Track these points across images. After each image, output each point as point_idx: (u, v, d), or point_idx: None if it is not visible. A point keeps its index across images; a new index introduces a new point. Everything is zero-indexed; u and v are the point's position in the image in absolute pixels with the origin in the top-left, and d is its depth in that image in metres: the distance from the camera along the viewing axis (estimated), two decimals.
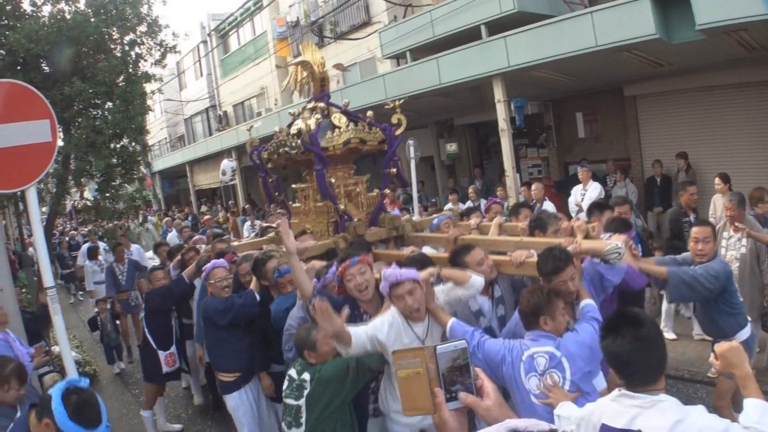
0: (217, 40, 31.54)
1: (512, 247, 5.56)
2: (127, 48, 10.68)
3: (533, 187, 12.09)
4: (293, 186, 7.82)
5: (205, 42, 32.21)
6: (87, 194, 23.66)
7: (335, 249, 6.50)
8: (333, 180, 6.95)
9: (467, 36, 14.30)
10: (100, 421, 3.49)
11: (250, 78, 28.35)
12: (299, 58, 7.63)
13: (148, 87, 11.36)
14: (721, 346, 2.93)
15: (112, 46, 10.33)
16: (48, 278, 5.60)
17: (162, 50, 11.16)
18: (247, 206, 23.46)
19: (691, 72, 12.86)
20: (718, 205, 9.80)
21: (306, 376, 4.60)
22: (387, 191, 7.41)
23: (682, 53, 11.30)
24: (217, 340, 6.44)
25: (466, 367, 1.89)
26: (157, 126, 36.10)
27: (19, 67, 9.05)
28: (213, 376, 7.52)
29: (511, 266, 5.10)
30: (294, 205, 7.88)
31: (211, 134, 31.39)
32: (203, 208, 29.83)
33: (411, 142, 12.74)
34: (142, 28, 10.78)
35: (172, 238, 17.01)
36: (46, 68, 9.85)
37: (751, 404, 2.78)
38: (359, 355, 4.38)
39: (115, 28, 10.18)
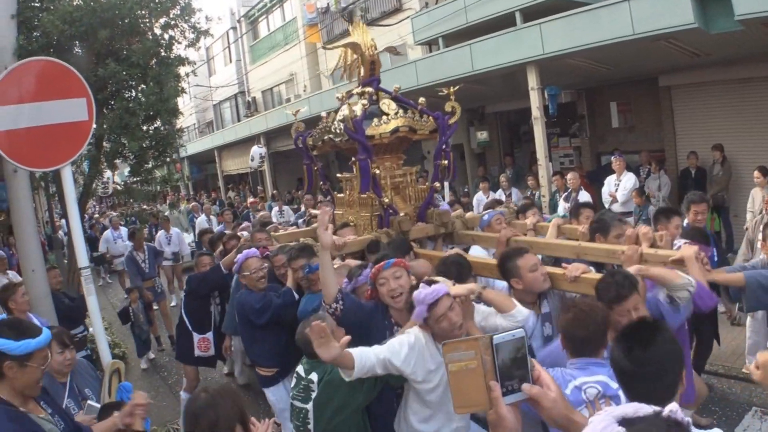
0: (246, 26, 31.58)
1: (569, 253, 5.22)
2: (160, 31, 10.66)
3: (569, 176, 11.98)
4: (338, 175, 7.55)
5: (234, 28, 32.27)
6: (117, 179, 23.83)
7: (378, 243, 6.07)
8: (378, 171, 6.52)
9: (501, 22, 14.19)
10: (40, 327, 3.46)
11: (279, 64, 28.34)
12: (348, 40, 7.17)
13: (181, 70, 11.34)
14: (765, 356, 2.60)
15: (146, 29, 10.31)
16: (83, 258, 5.60)
17: (195, 33, 11.13)
18: (274, 192, 23.54)
19: (728, 63, 12.63)
20: (757, 199, 9.66)
21: (314, 376, 4.15)
22: (437, 184, 6.93)
23: (719, 44, 11.08)
24: (253, 337, 6.23)
25: (524, 358, 1.77)
26: (186, 111, 36.35)
27: (52, 49, 9.04)
28: None
29: (564, 281, 4.49)
30: (338, 195, 7.53)
31: (239, 120, 31.53)
32: (230, 194, 29.95)
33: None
34: (176, 11, 10.76)
35: (201, 222, 17.10)
36: (80, 50, 9.88)
37: None
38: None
39: (148, 11, 10.15)
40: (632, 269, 4.12)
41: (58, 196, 11.19)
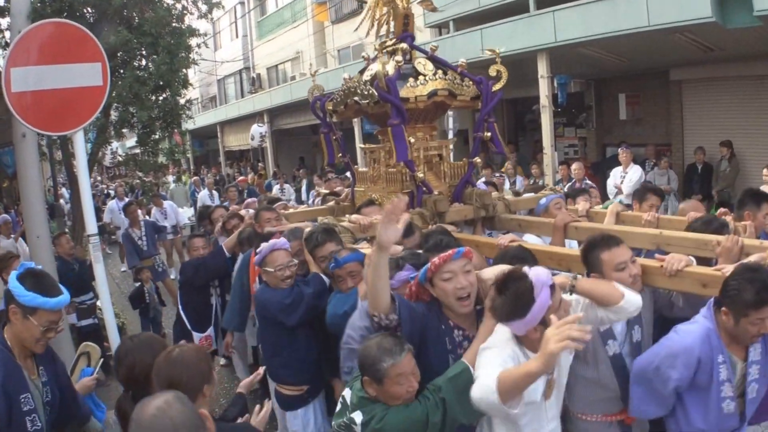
0: (254, 2, 31.41)
1: (646, 243, 4.48)
2: (172, 1, 10.60)
3: (574, 166, 11.93)
4: (360, 146, 6.86)
5: (242, 3, 32.13)
6: (119, 150, 23.81)
7: (412, 226, 4.85)
8: (413, 140, 5.67)
9: (514, 8, 14.07)
10: (61, 291, 3.43)
11: (286, 41, 28.18)
12: None
13: (193, 41, 11.28)
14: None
15: None
16: (92, 225, 5.57)
17: (207, 5, 11.07)
18: (275, 169, 23.51)
19: (742, 59, 12.57)
20: None
21: (357, 417, 3.11)
22: (477, 160, 6.10)
23: (736, 39, 11.04)
24: (277, 345, 4.93)
25: None
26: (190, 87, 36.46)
27: (66, 13, 8.98)
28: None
29: (660, 276, 3.60)
30: (360, 169, 6.78)
31: (243, 96, 31.50)
32: (228, 170, 29.90)
33: (450, 112, 12.56)
34: None
35: (203, 197, 17.04)
36: (92, 16, 9.81)
37: None
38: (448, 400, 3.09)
39: None
40: (753, 257, 3.49)
41: (65, 163, 11.15)
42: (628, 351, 3.68)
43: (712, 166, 12.88)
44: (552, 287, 2.95)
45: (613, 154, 14.22)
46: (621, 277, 3.48)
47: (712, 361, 3.24)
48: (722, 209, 4.60)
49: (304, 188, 18.07)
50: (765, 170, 9.74)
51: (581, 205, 5.91)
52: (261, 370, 4.14)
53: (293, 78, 26.25)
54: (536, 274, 2.96)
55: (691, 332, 3.33)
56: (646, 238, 4.50)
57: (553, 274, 3.27)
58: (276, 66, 29.94)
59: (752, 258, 3.42)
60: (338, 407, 3.34)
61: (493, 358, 2.99)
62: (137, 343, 3.38)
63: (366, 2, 6.37)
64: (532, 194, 6.58)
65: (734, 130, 13.19)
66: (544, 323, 2.86)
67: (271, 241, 4.90)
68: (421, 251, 4.15)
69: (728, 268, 3.27)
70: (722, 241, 3.82)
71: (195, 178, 23.09)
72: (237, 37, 33.57)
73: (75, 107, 5.33)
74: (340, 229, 5.09)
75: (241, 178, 19.73)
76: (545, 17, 12.38)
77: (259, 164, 26.24)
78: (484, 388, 2.84)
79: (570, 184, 11.78)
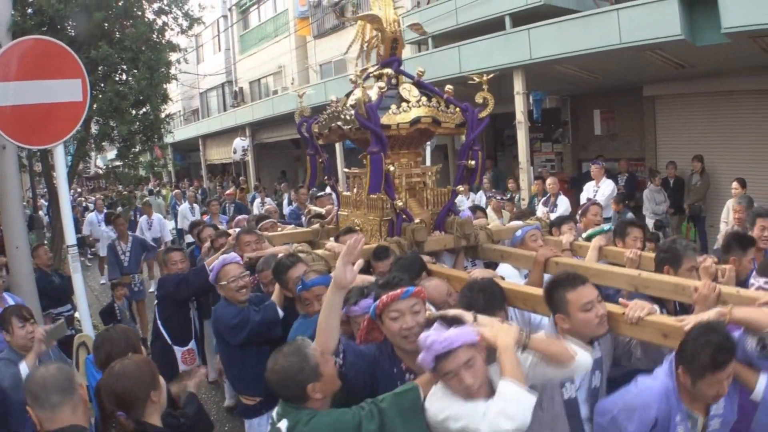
0: (237, 16, 31.58)
1: (624, 284, 4.31)
2: (153, 16, 10.74)
3: (549, 180, 12.10)
4: (345, 170, 6.75)
5: (225, 17, 32.29)
6: (99, 162, 23.84)
7: (388, 249, 5.05)
8: (393, 168, 5.54)
9: (491, 26, 14.27)
10: None
11: (269, 56, 28.37)
12: (367, 13, 6.11)
13: (173, 56, 11.41)
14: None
15: (139, 13, 10.39)
16: (71, 236, 5.71)
17: (188, 21, 11.21)
18: (257, 182, 23.61)
19: (713, 76, 12.84)
20: (732, 210, 9.84)
21: (283, 425, 2.94)
22: (460, 188, 5.99)
23: (705, 56, 11.29)
24: (231, 358, 5.14)
25: None
26: (172, 98, 36.48)
27: (45, 28, 9.10)
28: None
29: (622, 323, 3.44)
30: (344, 193, 6.56)
31: (225, 110, 31.60)
32: (209, 184, 29.93)
33: (431, 143, 12.72)
34: None
35: (184, 210, 17.07)
36: (73, 31, 9.93)
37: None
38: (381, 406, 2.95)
39: None
40: (711, 312, 3.29)
41: (44, 175, 11.23)
42: (585, 397, 3.59)
43: (683, 180, 13.16)
44: (441, 357, 2.85)
45: (588, 169, 14.46)
46: (587, 318, 3.37)
47: (670, 420, 3.10)
48: (708, 259, 4.34)
49: (285, 202, 18.16)
50: (734, 183, 10.00)
51: (565, 237, 5.80)
52: (204, 369, 4.59)
53: (275, 92, 26.41)
54: (425, 338, 2.92)
55: (650, 388, 3.18)
56: (624, 279, 4.34)
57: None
58: (258, 80, 30.05)
59: (711, 314, 3.24)
60: (268, 428, 3.26)
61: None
62: (113, 333, 3.75)
63: (349, 19, 6.31)
64: (516, 222, 6.46)
65: (705, 144, 13.46)
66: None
67: (221, 257, 5.15)
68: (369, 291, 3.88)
69: (690, 320, 3.17)
70: (699, 287, 3.71)
71: (176, 191, 23.13)
72: (220, 50, 33.72)
73: (55, 122, 5.52)
74: (314, 257, 5.08)
75: (228, 192, 19.74)
76: (521, 35, 12.60)
77: (240, 178, 26.35)
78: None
79: (545, 198, 11.97)
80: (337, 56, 21.89)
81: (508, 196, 13.84)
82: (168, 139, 16.34)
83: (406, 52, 18.24)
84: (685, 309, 4.03)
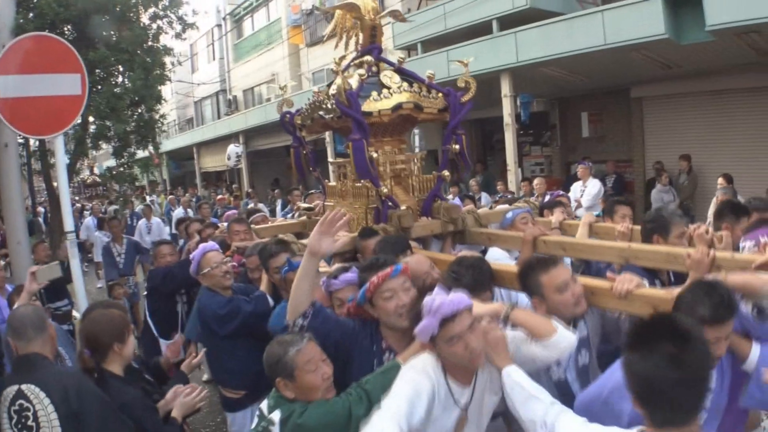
0: (231, 25, 31.90)
1: (614, 256, 4.21)
2: (149, 21, 11.00)
3: (536, 181, 12.30)
4: (330, 161, 6.69)
5: (219, 26, 32.55)
6: (96, 171, 24.08)
7: (373, 229, 5.05)
8: (376, 155, 5.41)
9: (479, 30, 14.59)
10: None
11: (262, 64, 28.67)
12: (346, 2, 5.93)
13: (167, 60, 11.67)
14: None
15: (136, 17, 10.65)
16: (69, 223, 5.93)
17: (182, 25, 11.47)
18: (250, 190, 23.78)
19: (700, 75, 13.10)
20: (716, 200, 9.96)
21: (276, 416, 2.93)
22: (446, 173, 5.74)
23: (691, 55, 11.54)
24: (217, 350, 5.00)
25: None
26: (167, 107, 36.63)
27: (46, 30, 9.33)
28: None
29: (610, 298, 3.37)
30: (330, 183, 6.44)
31: (219, 118, 31.80)
32: (203, 192, 30.05)
33: (416, 131, 12.92)
34: (165, 2, 11.11)
35: (178, 215, 17.16)
36: (72, 33, 10.18)
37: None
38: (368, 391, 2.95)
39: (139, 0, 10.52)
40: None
41: (43, 174, 11.43)
42: (575, 376, 3.52)
43: (671, 179, 13.36)
44: (447, 319, 2.81)
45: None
46: (564, 299, 3.34)
47: None
48: (702, 226, 4.15)
49: (278, 208, 18.29)
50: (720, 179, 10.17)
51: (556, 216, 5.80)
52: (201, 352, 4.58)
53: (269, 100, 26.55)
54: (432, 300, 2.87)
55: None
56: (615, 252, 4.22)
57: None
58: (252, 88, 30.27)
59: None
60: (255, 420, 3.13)
61: (404, 388, 2.89)
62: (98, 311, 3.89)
63: (328, 10, 6.17)
64: (504, 206, 6.38)
65: (693, 144, 13.72)
66: (438, 348, 2.91)
67: (200, 246, 5.06)
68: (350, 266, 3.94)
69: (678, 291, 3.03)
70: (692, 253, 3.54)
71: (171, 197, 23.33)
72: (214, 59, 33.89)
73: (56, 113, 5.76)
74: (299, 246, 4.93)
75: (219, 197, 19.89)
76: (508, 38, 12.91)
77: (234, 185, 26.50)
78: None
79: (533, 198, 12.17)
80: (329, 63, 22.14)
81: (498, 197, 14.05)
82: (164, 146, 16.49)
83: (395, 57, 18.54)
84: (680, 278, 3.92)
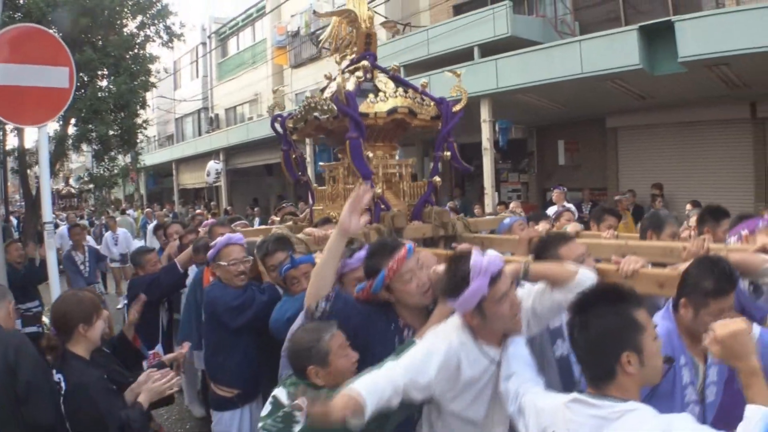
0: (216, 43, 32.10)
1: (612, 253, 4.17)
2: (136, 29, 11.12)
3: (512, 205, 12.40)
4: (321, 164, 6.66)
5: (204, 44, 32.72)
6: (72, 182, 23.99)
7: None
8: (371, 155, 5.50)
9: (460, 56, 14.79)
10: None
11: (245, 83, 28.82)
12: (341, 8, 6.10)
13: (153, 68, 11.78)
14: (724, 327, 2.36)
15: (124, 23, 10.77)
16: (48, 213, 5.98)
17: (169, 35, 11.59)
18: (228, 207, 23.76)
19: (673, 106, 13.45)
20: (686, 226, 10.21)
21: (303, 402, 2.92)
22: (437, 179, 5.85)
23: (664, 86, 11.82)
24: (219, 344, 4.79)
25: None
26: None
27: None
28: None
29: (617, 278, 3.38)
30: (319, 188, 6.46)
31: (200, 136, 31.80)
32: (181, 209, 29.93)
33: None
34: (153, 11, 11.24)
35: (154, 229, 17.17)
36: (58, 33, 10.26)
37: (753, 412, 2.19)
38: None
39: (128, 7, 10.62)
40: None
41: (20, 174, 11.40)
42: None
43: (643, 207, 13.60)
44: (496, 277, 2.74)
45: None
46: None
47: (675, 364, 2.99)
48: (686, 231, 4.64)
49: (257, 225, 18.31)
50: (688, 205, 10.38)
51: (541, 225, 5.87)
52: (185, 345, 4.58)
53: (251, 119, 26.71)
54: (480, 260, 2.76)
55: None
56: (612, 249, 4.27)
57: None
58: (234, 107, 30.42)
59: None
60: (268, 408, 3.10)
61: (414, 350, 2.89)
62: (69, 292, 4.05)
63: (324, 15, 6.20)
64: (492, 216, 6.42)
65: (666, 173, 14.02)
66: (482, 311, 2.78)
67: (227, 235, 4.86)
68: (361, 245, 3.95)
69: (684, 266, 3.15)
70: (688, 246, 3.74)
71: (147, 210, 23.30)
72: (197, 76, 33.94)
73: (43, 104, 5.83)
74: (294, 240, 4.85)
75: (198, 210, 19.88)
76: (488, 65, 13.14)
77: (212, 203, 26.44)
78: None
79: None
80: (311, 85, 22.30)
81: None
82: (142, 153, 16.46)
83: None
84: None
